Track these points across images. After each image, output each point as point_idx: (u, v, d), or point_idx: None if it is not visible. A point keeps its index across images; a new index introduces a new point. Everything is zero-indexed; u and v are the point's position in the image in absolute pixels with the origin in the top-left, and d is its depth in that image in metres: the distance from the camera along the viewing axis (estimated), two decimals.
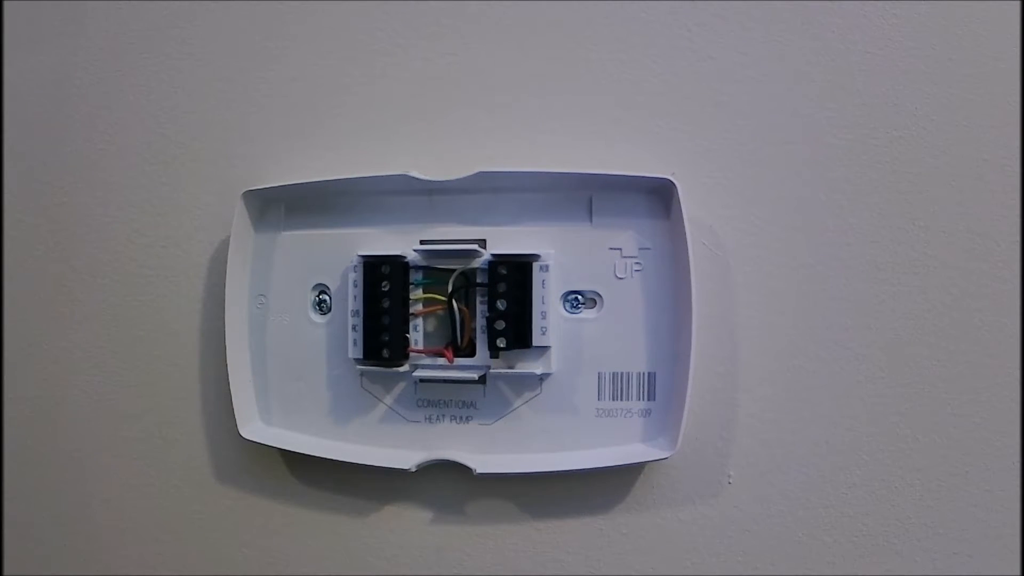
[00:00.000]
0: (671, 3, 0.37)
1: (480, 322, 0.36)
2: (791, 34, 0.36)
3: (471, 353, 0.36)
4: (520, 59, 0.38)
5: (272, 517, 0.41)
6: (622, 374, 0.36)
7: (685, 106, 0.37)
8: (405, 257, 0.36)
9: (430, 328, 0.37)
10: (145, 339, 0.42)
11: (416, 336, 0.37)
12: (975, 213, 0.35)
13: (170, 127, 0.42)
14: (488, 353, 0.35)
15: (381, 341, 0.36)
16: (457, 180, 0.36)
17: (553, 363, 0.36)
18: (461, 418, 0.37)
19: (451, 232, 0.37)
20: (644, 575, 0.37)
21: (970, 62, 0.35)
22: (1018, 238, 0.34)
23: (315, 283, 0.39)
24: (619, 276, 0.36)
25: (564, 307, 0.36)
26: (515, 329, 0.34)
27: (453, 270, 0.36)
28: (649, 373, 0.36)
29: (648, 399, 0.36)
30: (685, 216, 0.34)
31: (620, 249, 0.36)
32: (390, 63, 0.39)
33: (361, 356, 0.36)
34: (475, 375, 0.36)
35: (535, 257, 0.35)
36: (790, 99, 0.36)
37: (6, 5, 0.45)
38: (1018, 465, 0.34)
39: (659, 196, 0.36)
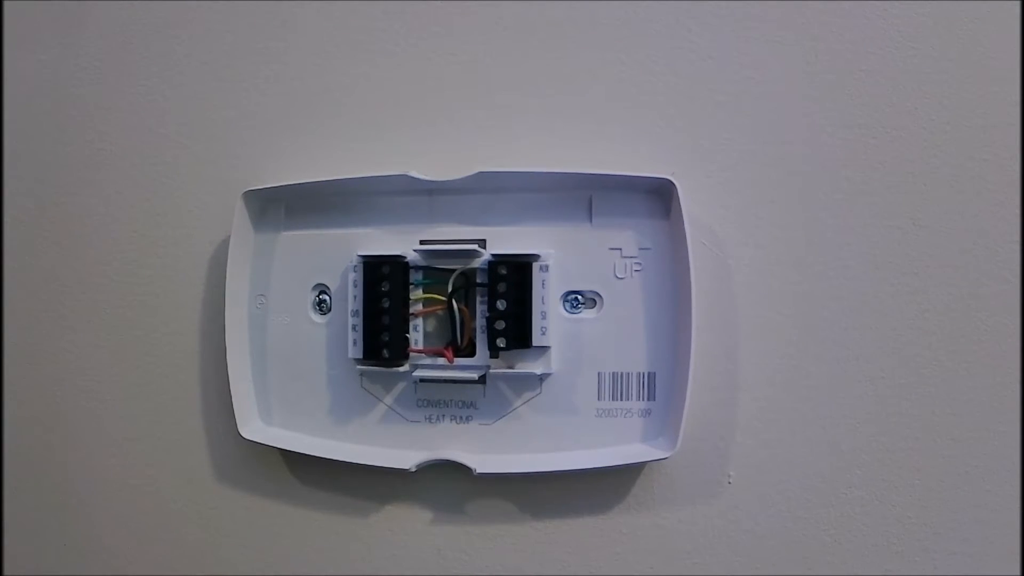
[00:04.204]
0: (671, 3, 0.37)
1: (480, 322, 0.36)
2: (791, 34, 0.36)
3: (471, 353, 0.36)
4: (520, 59, 0.38)
5: (272, 517, 0.41)
6: (622, 374, 0.36)
7: (685, 106, 0.37)
8: (405, 257, 0.36)
9: (430, 328, 0.37)
10: (145, 339, 0.42)
11: (416, 336, 0.37)
12: (975, 213, 0.35)
13: (170, 127, 0.42)
14: (488, 353, 0.35)
15: (381, 341, 0.36)
16: (457, 180, 0.36)
17: (553, 363, 0.36)
18: (461, 418, 0.37)
19: (451, 232, 0.37)
20: (644, 575, 0.37)
21: (970, 62, 0.35)
22: (1018, 238, 0.34)
23: (315, 283, 0.39)
24: (619, 276, 0.36)
25: (564, 307, 0.36)
26: (515, 329, 0.34)
27: (453, 270, 0.36)
28: (649, 373, 0.36)
29: (648, 399, 0.36)
30: (685, 216, 0.34)
31: (620, 249, 0.36)
32: (390, 63, 0.39)
33: (361, 356, 0.36)
34: (475, 375, 0.36)
35: (535, 257, 0.35)
36: (790, 99, 0.36)
37: (6, 5, 0.45)
38: (1018, 465, 0.34)
39: (659, 196, 0.36)
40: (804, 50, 0.36)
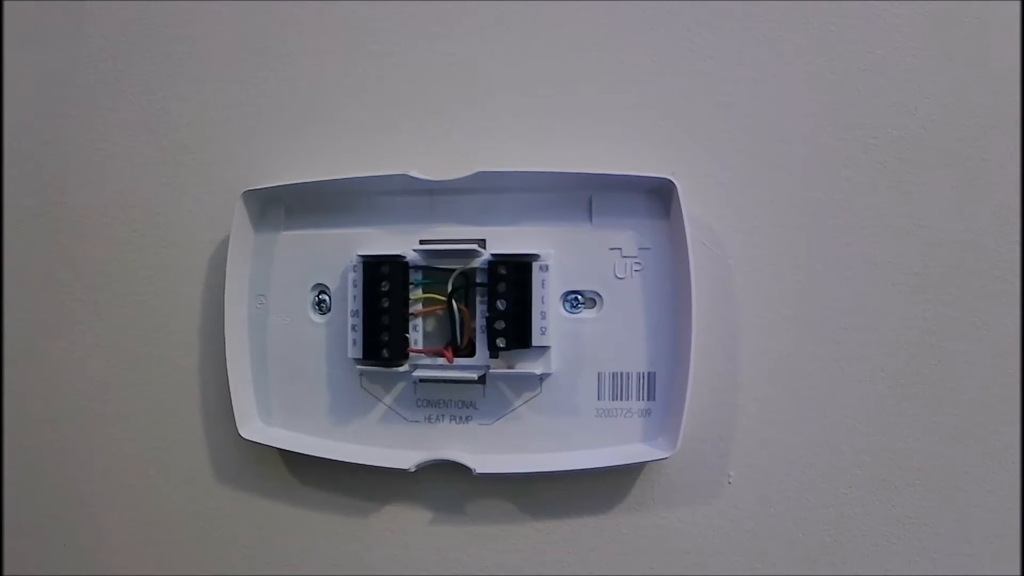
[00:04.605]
0: (671, 3, 0.37)
1: (480, 322, 0.36)
2: (791, 34, 0.36)
3: (471, 353, 0.36)
4: (520, 59, 0.38)
5: (272, 517, 0.41)
6: (622, 374, 0.36)
7: (685, 106, 0.37)
8: (405, 257, 0.36)
9: (430, 328, 0.37)
10: (145, 339, 0.42)
11: (416, 336, 0.37)
12: (975, 213, 0.35)
13: (170, 127, 0.42)
14: (488, 353, 0.35)
15: (381, 341, 0.36)
16: (457, 180, 0.36)
17: (553, 363, 0.36)
18: (461, 418, 0.37)
19: (451, 232, 0.37)
20: (644, 575, 0.37)
21: (970, 62, 0.35)
22: (1018, 238, 0.34)
23: (315, 283, 0.39)
24: (619, 276, 0.36)
25: (564, 307, 0.36)
26: (515, 329, 0.34)
27: (453, 270, 0.36)
28: (649, 373, 0.36)
29: (648, 399, 0.36)
30: (685, 216, 0.34)
31: (620, 249, 0.36)
32: (390, 63, 0.39)
33: (361, 356, 0.36)
34: (475, 375, 0.36)
35: (535, 257, 0.35)
36: (790, 99, 0.36)
37: (6, 5, 0.45)
38: (1018, 465, 0.34)
39: (659, 196, 0.36)
40: (804, 50, 0.36)
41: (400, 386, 0.38)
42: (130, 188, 0.43)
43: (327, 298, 0.39)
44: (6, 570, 0.45)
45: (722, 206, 0.36)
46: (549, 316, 0.35)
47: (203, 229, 0.41)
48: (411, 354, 0.36)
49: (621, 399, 0.36)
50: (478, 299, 0.36)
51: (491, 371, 0.36)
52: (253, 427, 0.39)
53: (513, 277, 0.35)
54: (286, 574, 0.41)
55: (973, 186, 0.35)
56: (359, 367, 0.37)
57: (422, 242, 0.37)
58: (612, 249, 0.36)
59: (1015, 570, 0.35)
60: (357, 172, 0.37)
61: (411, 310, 0.36)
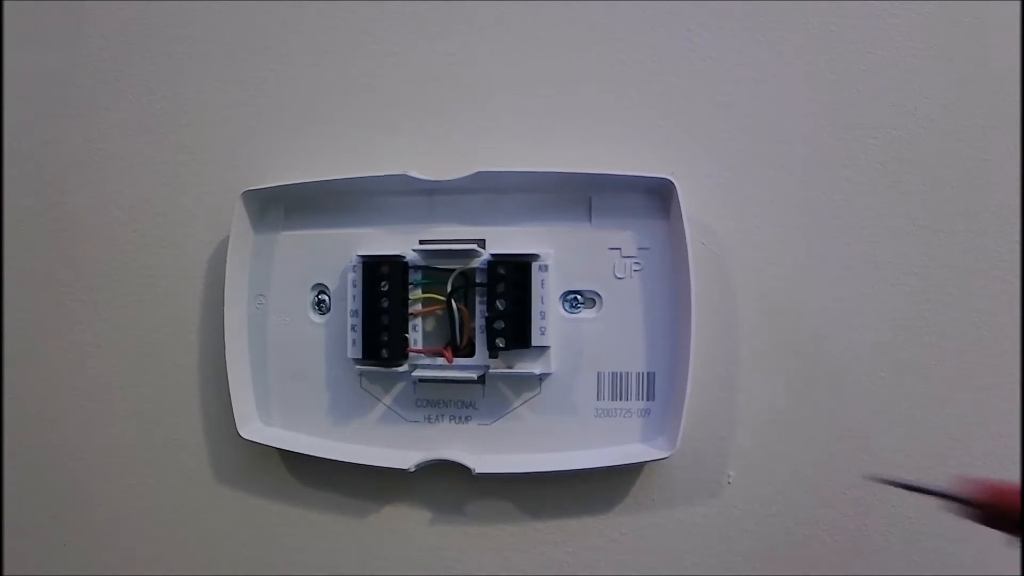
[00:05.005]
0: (671, 3, 0.37)
1: (479, 322, 0.36)
2: (791, 34, 0.36)
3: (470, 353, 0.36)
4: (520, 59, 0.38)
5: (272, 517, 0.41)
6: (621, 374, 0.36)
7: (685, 106, 0.37)
8: (404, 257, 0.36)
9: (429, 328, 0.37)
10: (145, 339, 0.42)
11: (415, 336, 0.37)
12: (975, 213, 0.35)
13: (170, 127, 0.42)
14: (487, 353, 0.35)
15: (380, 341, 0.36)
16: (457, 180, 0.36)
17: (552, 363, 0.36)
18: (460, 418, 0.37)
19: (450, 232, 0.37)
20: (644, 575, 0.37)
21: (970, 62, 0.35)
22: (1018, 238, 0.34)
23: (314, 283, 0.39)
24: (618, 276, 0.36)
25: (563, 307, 0.36)
26: (514, 329, 0.34)
27: (452, 270, 0.36)
28: (648, 373, 0.36)
29: (647, 399, 0.36)
30: (684, 216, 0.34)
31: (619, 249, 0.36)
32: (390, 63, 0.39)
33: (360, 356, 0.36)
34: (474, 375, 0.36)
35: (534, 257, 0.35)
36: (790, 99, 0.36)
37: (6, 5, 0.45)
38: (1018, 465, 0.34)
39: (659, 196, 0.36)
40: (804, 50, 0.36)
41: (400, 386, 0.38)
42: (130, 188, 0.43)
43: (327, 298, 0.39)
44: (6, 570, 0.45)
45: (722, 206, 0.36)
46: (548, 316, 0.35)
47: (203, 229, 0.41)
48: (411, 354, 0.36)
49: (620, 399, 0.36)
50: (477, 299, 0.36)
51: (491, 371, 0.36)
52: (253, 427, 0.39)
53: (512, 277, 0.35)
54: (286, 574, 0.41)
55: (973, 186, 0.35)
56: (359, 367, 0.37)
57: (422, 242, 0.37)
58: (612, 249, 0.36)
59: (1015, 570, 0.35)
60: (357, 172, 0.37)
61: (411, 310, 0.36)
